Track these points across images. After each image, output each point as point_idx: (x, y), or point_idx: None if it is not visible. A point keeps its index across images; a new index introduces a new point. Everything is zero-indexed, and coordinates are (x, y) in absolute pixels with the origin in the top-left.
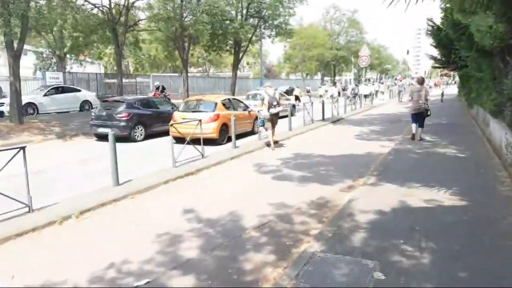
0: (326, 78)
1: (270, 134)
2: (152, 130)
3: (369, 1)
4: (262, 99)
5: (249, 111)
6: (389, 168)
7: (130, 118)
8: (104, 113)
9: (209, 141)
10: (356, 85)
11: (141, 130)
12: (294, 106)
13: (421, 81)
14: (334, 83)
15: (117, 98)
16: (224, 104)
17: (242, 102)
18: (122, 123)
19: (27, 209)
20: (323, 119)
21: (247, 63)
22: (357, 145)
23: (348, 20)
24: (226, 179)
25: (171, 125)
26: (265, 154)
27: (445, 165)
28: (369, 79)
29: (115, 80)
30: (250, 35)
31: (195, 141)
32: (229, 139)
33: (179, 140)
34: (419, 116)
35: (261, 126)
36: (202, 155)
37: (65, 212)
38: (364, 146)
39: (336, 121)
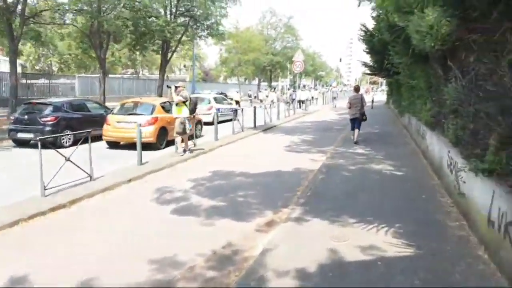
0: (263, 84)
1: (180, 140)
2: (82, 134)
3: (304, 8)
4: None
5: (193, 115)
6: (318, 193)
7: (57, 122)
8: (26, 117)
9: (146, 146)
10: (293, 91)
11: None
12: (236, 111)
13: (357, 89)
14: (274, 89)
15: (42, 100)
16: (163, 107)
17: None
18: (48, 128)
19: None
20: (255, 127)
21: (184, 66)
22: (286, 159)
23: (284, 26)
24: (102, 220)
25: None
26: (176, 172)
27: (383, 188)
28: (304, 85)
29: (37, 81)
30: (179, 35)
31: (131, 146)
32: (168, 144)
33: (114, 145)
34: (357, 121)
35: (189, 130)
36: (91, 177)
37: None
38: (294, 160)
39: (268, 129)
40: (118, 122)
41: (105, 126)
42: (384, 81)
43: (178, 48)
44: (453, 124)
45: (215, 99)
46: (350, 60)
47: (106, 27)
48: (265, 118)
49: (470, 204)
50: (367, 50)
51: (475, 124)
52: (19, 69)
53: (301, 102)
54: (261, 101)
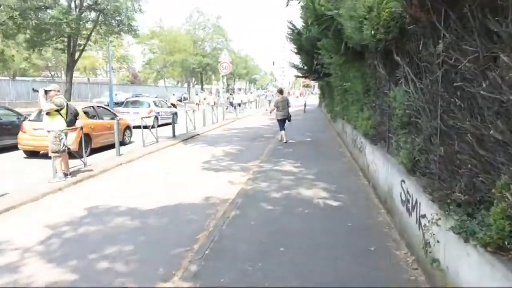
0: (197, 87)
1: (60, 161)
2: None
3: (234, 9)
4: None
5: (117, 120)
6: (222, 250)
7: None
8: None
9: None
10: (230, 94)
11: None
12: (176, 114)
13: (281, 91)
14: (210, 92)
15: None
16: (86, 112)
17: (109, 110)
18: None
19: None
20: (174, 136)
21: (112, 68)
22: (197, 183)
23: (212, 26)
24: None
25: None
26: (36, 211)
27: (315, 236)
28: (240, 89)
29: None
30: (85, 31)
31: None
32: (93, 151)
33: (32, 153)
34: (284, 122)
35: (64, 147)
36: None
37: None
38: (207, 185)
39: (190, 138)
40: (35, 129)
41: (20, 134)
42: (317, 84)
43: (88, 47)
44: (405, 142)
45: (154, 102)
46: (284, 64)
47: None
48: (187, 125)
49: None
50: (296, 50)
51: (447, 146)
52: None
53: (237, 105)
54: (197, 104)
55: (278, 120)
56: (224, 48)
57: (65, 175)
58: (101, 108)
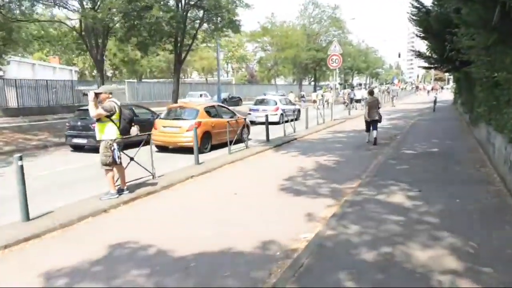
0: (313, 83)
1: (112, 176)
2: (132, 139)
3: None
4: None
5: (236, 119)
6: None
7: None
8: (79, 123)
9: (191, 150)
10: (351, 90)
11: None
12: (299, 110)
13: (371, 92)
14: (331, 89)
15: None
16: (207, 112)
17: (228, 109)
18: None
19: None
20: (268, 140)
21: (232, 68)
22: (263, 213)
23: (328, 18)
24: None
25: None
26: (53, 244)
27: None
28: (360, 84)
29: (91, 87)
30: (190, 29)
31: (180, 150)
32: (213, 148)
33: (162, 148)
34: (372, 123)
35: (118, 159)
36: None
37: None
38: (275, 217)
39: (284, 143)
40: (164, 126)
41: (153, 130)
42: (452, 77)
43: (195, 46)
44: None
45: (280, 100)
46: (412, 56)
47: (92, 21)
48: (284, 128)
49: None
50: (422, 34)
51: None
52: (75, 77)
53: (356, 101)
54: (314, 101)
55: (366, 122)
56: (342, 41)
57: (121, 190)
58: (222, 107)
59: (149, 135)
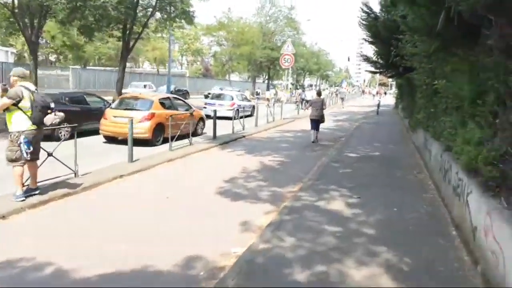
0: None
1: (19, 173)
2: (81, 128)
3: (310, 2)
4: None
5: (191, 112)
6: None
7: None
8: None
9: (142, 142)
10: (303, 91)
11: (67, 128)
12: (254, 107)
13: (319, 93)
14: (286, 87)
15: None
16: (162, 103)
17: (184, 102)
18: None
19: None
20: (214, 137)
21: (188, 61)
22: (194, 222)
23: (284, 18)
24: None
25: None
26: None
27: None
28: (311, 85)
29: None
30: (142, 17)
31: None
32: (165, 141)
33: (111, 139)
34: (317, 122)
35: (26, 155)
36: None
37: None
38: (206, 228)
39: (231, 141)
40: (115, 116)
41: (102, 120)
42: (394, 83)
43: (146, 35)
44: None
45: (236, 96)
46: (360, 60)
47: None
48: (233, 126)
49: None
50: (370, 39)
51: None
52: (11, 59)
53: (308, 101)
54: (267, 100)
55: (311, 120)
56: (296, 41)
57: (31, 190)
58: (177, 99)
59: (75, 127)
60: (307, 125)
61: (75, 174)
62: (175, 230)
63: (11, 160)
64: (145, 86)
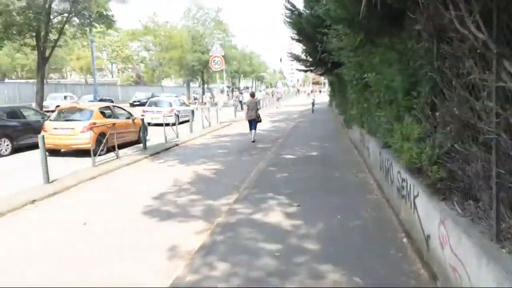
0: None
1: None
2: (20, 143)
3: (236, 2)
4: None
5: (133, 120)
6: None
7: None
8: None
9: (85, 152)
10: (240, 93)
11: (7, 144)
12: (193, 111)
13: (253, 95)
14: (222, 91)
15: None
16: (102, 112)
17: (125, 110)
18: None
19: None
20: (145, 148)
21: (118, 69)
22: (112, 251)
23: (212, 20)
24: None
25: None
26: None
27: None
28: (246, 87)
29: None
30: (58, 23)
31: (72, 153)
32: (109, 150)
33: (53, 152)
34: (254, 122)
35: None
36: None
37: None
38: (126, 257)
39: (162, 151)
40: (55, 128)
41: (42, 132)
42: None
43: (64, 42)
44: None
45: (174, 102)
46: (293, 61)
47: None
48: (165, 133)
49: None
50: (297, 37)
51: None
52: None
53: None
54: (204, 104)
55: (248, 121)
56: (226, 44)
57: None
58: (117, 108)
59: None
60: (244, 128)
61: None
62: (86, 266)
63: None
64: (65, 97)
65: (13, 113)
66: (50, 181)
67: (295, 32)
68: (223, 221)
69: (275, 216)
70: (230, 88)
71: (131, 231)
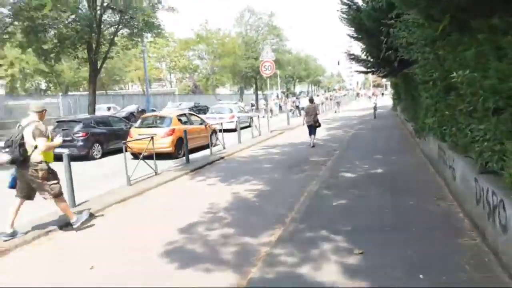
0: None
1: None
2: (109, 147)
3: (292, 5)
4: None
5: (205, 125)
6: None
7: (87, 137)
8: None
9: (166, 155)
10: (297, 98)
11: (99, 148)
12: (251, 118)
13: (311, 100)
14: (277, 96)
15: (72, 118)
16: (179, 119)
17: (198, 117)
18: (80, 143)
19: None
20: (187, 162)
21: (177, 79)
22: None
23: (265, 25)
24: None
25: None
26: None
27: None
28: (301, 92)
29: (21, 102)
30: (108, 35)
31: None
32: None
33: (137, 155)
34: (312, 127)
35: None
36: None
37: None
38: None
39: (206, 165)
40: (139, 134)
41: (128, 138)
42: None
43: (115, 53)
44: None
45: (235, 108)
46: (351, 64)
47: None
48: (211, 143)
49: None
50: (355, 35)
51: None
52: (1, 91)
53: (303, 109)
54: (262, 110)
55: (307, 126)
56: (280, 49)
57: None
58: (192, 115)
59: None
60: (296, 137)
61: None
62: None
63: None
64: (108, 108)
65: (103, 122)
66: (76, 204)
67: (353, 29)
68: (257, 277)
69: (329, 270)
70: (285, 94)
71: (140, 281)
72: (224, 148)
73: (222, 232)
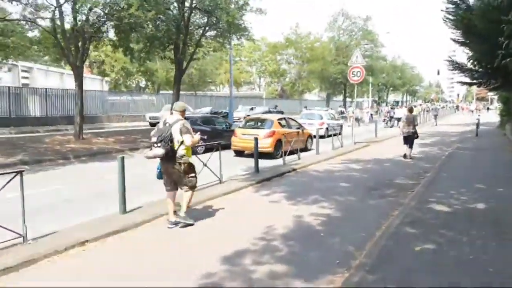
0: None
1: (186, 198)
2: (212, 144)
3: (389, 10)
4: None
5: (302, 130)
6: None
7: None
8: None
9: (265, 155)
10: (391, 108)
11: (202, 145)
12: (341, 126)
13: (410, 110)
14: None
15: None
16: (279, 123)
17: (296, 121)
18: None
19: None
20: (257, 171)
21: (266, 83)
22: None
23: (359, 30)
24: None
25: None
26: None
27: None
28: (396, 102)
29: (120, 98)
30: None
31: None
32: (284, 154)
33: (239, 153)
34: (409, 139)
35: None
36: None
37: None
38: None
39: (274, 177)
40: (243, 134)
41: (233, 137)
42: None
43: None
44: None
45: (325, 115)
46: (452, 74)
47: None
48: (281, 154)
49: None
50: (460, 39)
51: None
52: (106, 87)
53: (397, 120)
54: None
55: (404, 137)
56: (374, 55)
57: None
58: (291, 119)
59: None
60: (383, 152)
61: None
62: None
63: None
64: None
65: (207, 120)
66: (126, 211)
67: (460, 31)
68: None
69: None
70: (376, 103)
71: None
72: (299, 158)
73: (270, 269)
